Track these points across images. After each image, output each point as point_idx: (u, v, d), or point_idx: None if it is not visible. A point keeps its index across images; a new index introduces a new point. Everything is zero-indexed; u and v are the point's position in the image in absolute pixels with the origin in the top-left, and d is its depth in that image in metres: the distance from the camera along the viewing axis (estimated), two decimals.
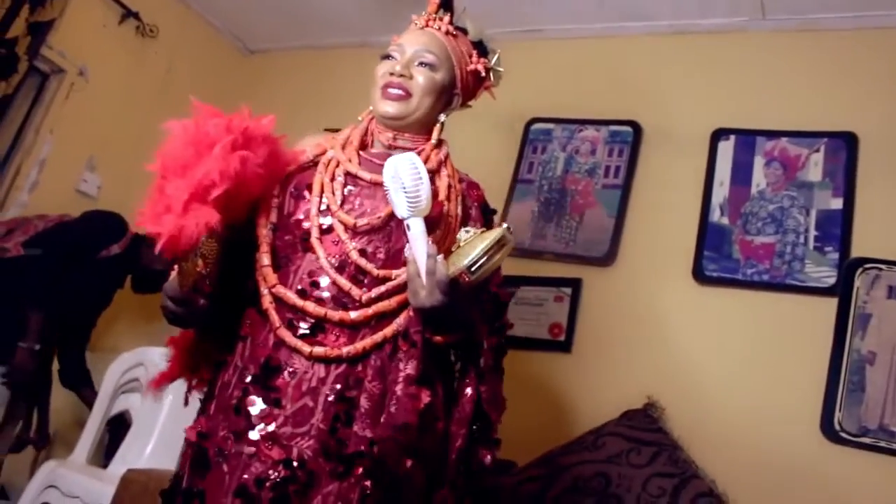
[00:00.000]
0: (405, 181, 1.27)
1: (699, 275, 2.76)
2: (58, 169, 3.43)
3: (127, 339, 3.55)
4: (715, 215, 2.81)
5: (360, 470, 1.28)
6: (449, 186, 1.51)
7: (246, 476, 1.29)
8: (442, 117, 1.57)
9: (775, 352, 2.58)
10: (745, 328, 2.66)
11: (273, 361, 1.36)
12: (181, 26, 3.89)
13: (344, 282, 1.38)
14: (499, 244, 1.25)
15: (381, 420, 1.30)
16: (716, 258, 2.75)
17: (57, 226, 2.98)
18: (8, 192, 3.29)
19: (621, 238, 2.94)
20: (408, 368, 1.33)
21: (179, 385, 3.13)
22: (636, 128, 3.07)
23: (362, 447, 1.28)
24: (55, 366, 3.21)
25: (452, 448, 1.38)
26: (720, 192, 2.84)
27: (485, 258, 1.24)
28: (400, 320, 1.38)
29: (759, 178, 2.81)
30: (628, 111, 3.11)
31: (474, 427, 1.40)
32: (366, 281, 1.39)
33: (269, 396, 1.34)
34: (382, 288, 1.39)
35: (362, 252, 1.41)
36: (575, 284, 2.93)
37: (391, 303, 1.39)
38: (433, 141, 1.55)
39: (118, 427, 3.29)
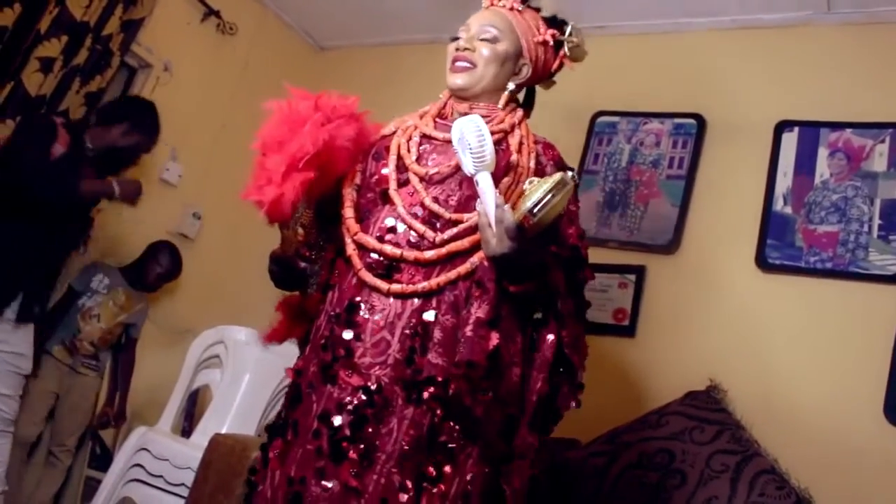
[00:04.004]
0: (470, 140, 1.36)
1: (762, 262, 2.81)
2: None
3: (199, 318, 3.72)
4: (778, 205, 2.87)
5: (430, 395, 1.37)
6: (521, 143, 1.61)
7: (328, 402, 1.43)
8: (511, 85, 1.67)
9: (838, 338, 2.62)
10: (807, 315, 2.70)
11: (355, 300, 1.49)
12: (258, 24, 4.08)
13: (419, 226, 1.51)
14: (558, 186, 1.28)
15: (456, 358, 1.38)
16: (779, 246, 2.81)
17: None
18: None
19: (685, 227, 3.01)
20: (479, 312, 1.40)
21: (257, 363, 3.31)
22: (700, 120, 3.14)
23: (434, 373, 1.38)
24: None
25: (532, 390, 1.43)
26: (783, 183, 2.90)
27: (545, 200, 1.27)
28: (474, 259, 1.47)
29: (823, 168, 2.86)
30: (692, 104, 3.18)
31: (560, 371, 1.46)
32: (439, 224, 1.51)
33: (351, 331, 1.47)
34: (455, 229, 1.50)
35: (435, 199, 1.53)
36: (639, 271, 3.01)
37: (464, 243, 1.48)
38: (500, 106, 1.66)
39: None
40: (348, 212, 1.59)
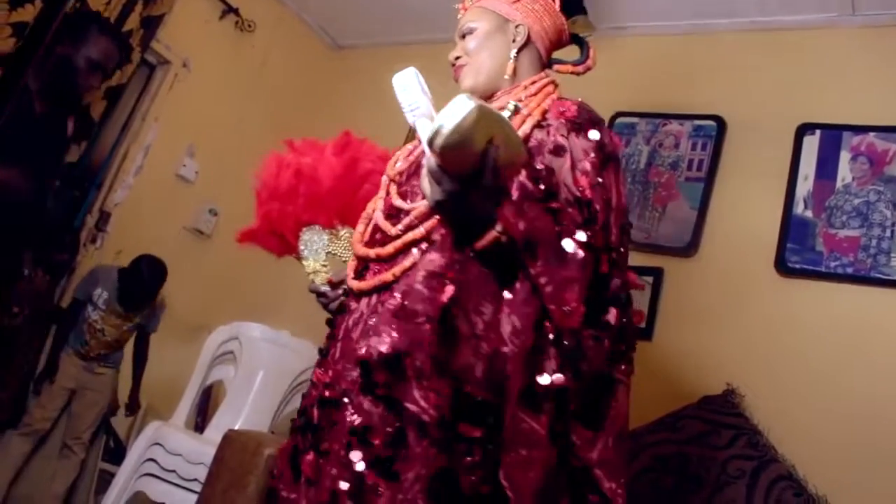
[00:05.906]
0: (399, 94, 1.32)
1: (782, 266, 2.78)
2: (160, 154, 3.63)
3: (214, 314, 3.73)
4: (799, 208, 2.84)
5: (375, 378, 1.28)
6: (519, 118, 1.48)
7: (307, 401, 1.48)
8: (512, 53, 1.60)
9: (859, 343, 2.59)
10: (827, 320, 2.67)
11: (345, 305, 1.52)
12: (276, 22, 4.09)
13: (383, 222, 1.49)
14: (451, 110, 1.08)
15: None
16: (799, 250, 2.77)
17: None
18: (116, 174, 3.50)
19: (703, 229, 2.98)
20: (428, 266, 1.30)
21: (271, 359, 3.31)
22: (720, 122, 3.11)
23: (363, 356, 1.31)
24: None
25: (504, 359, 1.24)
26: (804, 186, 2.86)
27: (437, 127, 1.09)
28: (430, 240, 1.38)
29: (845, 172, 2.82)
30: (712, 106, 3.15)
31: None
32: (400, 217, 1.48)
33: (331, 332, 1.51)
34: (408, 218, 1.43)
35: (401, 194, 1.51)
36: (656, 274, 2.98)
37: (420, 230, 1.39)
38: (507, 76, 1.59)
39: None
40: (360, 226, 1.60)
